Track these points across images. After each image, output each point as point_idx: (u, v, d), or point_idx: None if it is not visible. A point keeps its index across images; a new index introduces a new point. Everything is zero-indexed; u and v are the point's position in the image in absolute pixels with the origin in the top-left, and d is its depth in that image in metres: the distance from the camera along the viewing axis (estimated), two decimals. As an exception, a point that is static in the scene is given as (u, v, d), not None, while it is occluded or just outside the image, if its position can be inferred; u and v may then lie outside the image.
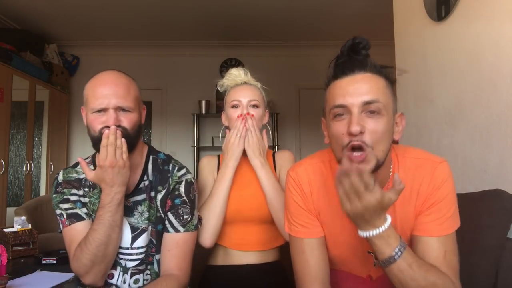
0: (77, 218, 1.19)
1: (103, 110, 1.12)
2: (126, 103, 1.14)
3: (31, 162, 3.97)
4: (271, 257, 1.46)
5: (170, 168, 1.25)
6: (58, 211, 1.20)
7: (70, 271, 1.33)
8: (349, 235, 1.03)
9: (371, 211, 0.82)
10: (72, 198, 1.21)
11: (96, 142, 1.14)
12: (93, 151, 1.25)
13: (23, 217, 2.07)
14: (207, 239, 1.37)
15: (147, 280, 1.22)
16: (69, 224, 1.18)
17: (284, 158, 1.50)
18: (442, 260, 0.93)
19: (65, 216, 1.19)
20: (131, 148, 1.16)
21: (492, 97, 1.51)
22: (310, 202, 1.06)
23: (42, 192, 4.17)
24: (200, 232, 1.37)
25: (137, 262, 1.21)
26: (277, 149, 4.76)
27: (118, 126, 1.12)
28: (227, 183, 1.37)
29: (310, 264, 1.04)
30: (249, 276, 1.40)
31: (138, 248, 1.21)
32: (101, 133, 1.12)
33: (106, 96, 1.12)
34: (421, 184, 0.99)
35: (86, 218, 1.19)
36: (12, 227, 2.01)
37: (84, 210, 1.20)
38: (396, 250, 0.85)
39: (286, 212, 1.12)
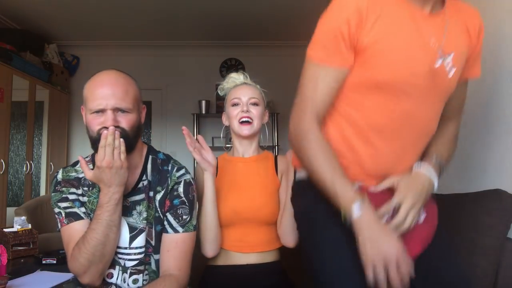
0: (75, 217, 1.19)
1: (101, 111, 1.12)
2: (124, 104, 1.14)
3: (31, 162, 3.97)
4: (271, 258, 1.46)
5: (170, 168, 1.25)
6: (56, 210, 1.20)
7: (70, 271, 1.33)
8: (416, 47, 0.99)
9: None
10: (71, 197, 1.21)
11: (94, 142, 1.14)
12: (93, 151, 1.25)
13: (23, 217, 2.07)
14: (208, 250, 1.39)
15: (146, 280, 1.22)
16: (67, 223, 1.18)
17: (286, 163, 1.47)
18: (464, 99, 1.20)
19: (63, 215, 1.19)
20: (130, 148, 1.16)
21: (492, 97, 1.51)
22: (361, 24, 0.96)
23: (42, 192, 4.17)
24: (201, 244, 1.37)
25: (136, 262, 1.21)
26: (277, 149, 4.76)
27: (117, 127, 1.12)
28: (209, 195, 1.37)
29: (318, 89, 1.01)
30: (249, 276, 1.40)
31: (136, 248, 1.21)
32: (99, 134, 1.12)
33: (104, 97, 1.12)
34: (472, 25, 1.07)
35: (85, 218, 1.19)
36: (12, 227, 2.01)
37: (83, 209, 1.20)
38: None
39: (317, 34, 1.02)
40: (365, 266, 0.92)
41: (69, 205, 1.20)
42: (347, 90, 1.04)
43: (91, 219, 1.18)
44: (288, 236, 1.41)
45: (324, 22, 1.03)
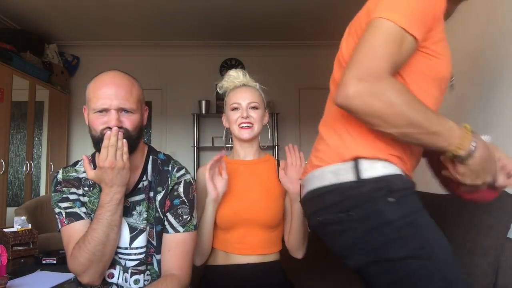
0: (76, 217, 1.19)
1: (104, 111, 1.13)
2: (128, 104, 1.14)
3: (31, 162, 3.97)
4: (271, 258, 1.46)
5: (170, 168, 1.25)
6: (57, 210, 1.20)
7: (69, 270, 1.33)
8: None
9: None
10: (72, 197, 1.21)
11: (97, 142, 1.14)
12: (93, 151, 1.25)
13: (23, 217, 2.07)
14: (196, 260, 1.41)
15: (147, 280, 1.22)
16: (68, 223, 1.18)
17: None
18: None
19: (64, 215, 1.19)
20: (132, 149, 1.16)
21: (492, 97, 1.51)
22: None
23: (42, 192, 4.17)
24: None
25: (136, 262, 1.21)
26: (277, 150, 4.76)
27: (120, 127, 1.12)
28: (207, 218, 1.39)
29: (400, 53, 0.88)
30: (249, 275, 1.40)
31: (137, 248, 1.21)
32: (102, 134, 1.12)
33: (108, 96, 1.12)
34: None
35: (85, 218, 1.19)
36: (12, 227, 2.02)
37: (83, 209, 1.21)
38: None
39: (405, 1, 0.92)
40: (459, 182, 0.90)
41: (69, 205, 1.20)
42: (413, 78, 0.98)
43: (91, 219, 1.19)
44: (299, 250, 1.47)
45: None
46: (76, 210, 1.19)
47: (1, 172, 3.47)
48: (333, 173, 0.95)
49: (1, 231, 1.98)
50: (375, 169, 0.91)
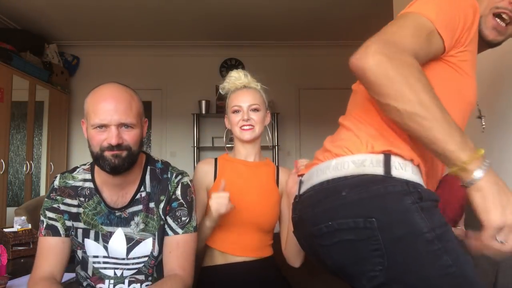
0: (54, 232, 1.19)
1: (104, 126, 1.09)
2: (129, 119, 1.10)
3: (31, 162, 3.97)
4: (266, 254, 1.48)
5: (169, 175, 1.24)
6: (41, 217, 1.21)
7: (70, 271, 1.32)
8: None
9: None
10: (62, 207, 1.20)
11: (96, 158, 1.12)
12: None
13: (23, 217, 2.07)
14: None
15: None
16: (45, 235, 1.19)
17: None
18: None
19: (44, 225, 1.20)
20: (132, 164, 1.14)
21: (492, 98, 1.51)
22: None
23: (42, 192, 4.17)
24: None
25: (134, 271, 1.21)
26: (277, 149, 4.76)
27: (121, 143, 1.09)
28: (208, 231, 1.38)
29: (421, 43, 0.80)
30: (244, 271, 1.41)
31: (134, 258, 1.20)
32: (101, 150, 1.10)
33: (107, 112, 1.08)
34: None
35: (62, 235, 1.19)
36: (12, 227, 2.01)
37: (69, 223, 1.20)
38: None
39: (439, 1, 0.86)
40: (487, 232, 0.75)
41: (54, 216, 1.20)
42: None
43: (70, 236, 1.20)
44: (296, 257, 1.45)
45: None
46: (57, 224, 1.19)
47: (1, 172, 3.47)
48: (356, 163, 0.80)
49: (1, 231, 1.98)
50: (405, 171, 0.79)
